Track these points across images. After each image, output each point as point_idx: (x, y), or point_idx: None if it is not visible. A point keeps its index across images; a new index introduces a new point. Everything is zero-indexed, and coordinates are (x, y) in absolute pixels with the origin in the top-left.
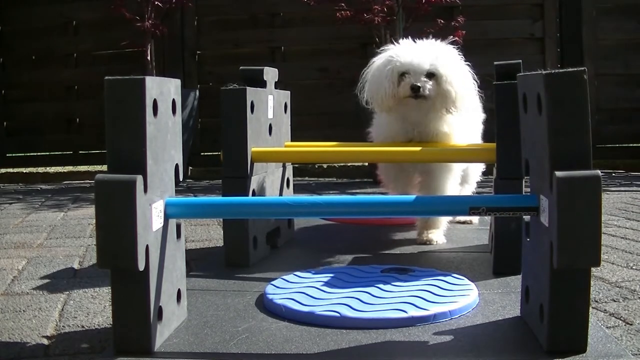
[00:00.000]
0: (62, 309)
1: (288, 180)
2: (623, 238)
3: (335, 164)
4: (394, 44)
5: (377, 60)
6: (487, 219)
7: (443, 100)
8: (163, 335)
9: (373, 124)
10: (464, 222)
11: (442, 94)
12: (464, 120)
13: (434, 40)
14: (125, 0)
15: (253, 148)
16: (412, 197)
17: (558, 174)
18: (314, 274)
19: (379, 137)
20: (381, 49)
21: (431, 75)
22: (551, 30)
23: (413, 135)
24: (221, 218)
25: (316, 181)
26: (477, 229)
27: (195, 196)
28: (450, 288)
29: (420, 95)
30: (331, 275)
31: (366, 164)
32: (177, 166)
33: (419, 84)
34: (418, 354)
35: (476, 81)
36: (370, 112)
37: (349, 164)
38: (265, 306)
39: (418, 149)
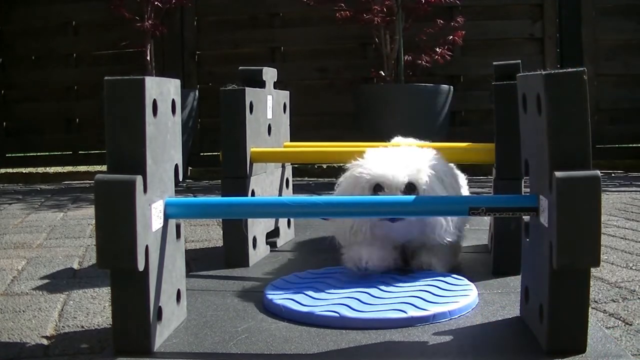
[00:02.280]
0: (62, 309)
1: (287, 180)
2: (623, 238)
3: (335, 164)
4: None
5: (345, 179)
6: (487, 219)
7: (429, 226)
8: (163, 336)
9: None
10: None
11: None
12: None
13: (414, 148)
14: (125, 1)
15: (252, 148)
16: (412, 197)
17: (557, 174)
18: (313, 274)
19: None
20: (351, 163)
21: (411, 187)
22: (551, 30)
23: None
24: (221, 218)
25: (316, 181)
26: (477, 229)
27: (194, 196)
28: (449, 288)
29: (397, 218)
30: (331, 275)
31: None
32: (176, 166)
33: None
34: (418, 354)
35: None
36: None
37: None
38: (265, 306)
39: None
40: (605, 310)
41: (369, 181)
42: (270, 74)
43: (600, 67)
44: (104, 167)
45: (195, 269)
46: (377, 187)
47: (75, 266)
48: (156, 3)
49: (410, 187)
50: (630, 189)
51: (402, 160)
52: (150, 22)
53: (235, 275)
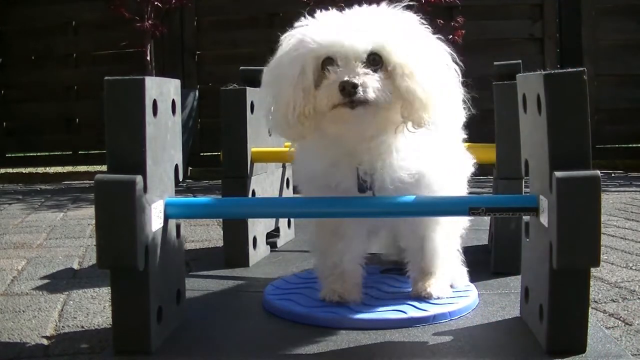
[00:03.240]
0: (62, 309)
1: (288, 180)
2: (622, 238)
3: None
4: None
5: (284, 45)
6: (487, 219)
7: (404, 106)
8: (162, 335)
9: (295, 159)
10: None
11: (401, 95)
12: (442, 142)
13: (378, 5)
14: (125, 1)
15: (253, 148)
16: (412, 197)
17: (557, 174)
18: (313, 274)
19: (307, 186)
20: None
21: (376, 60)
22: (551, 30)
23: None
24: (221, 218)
25: None
26: (477, 229)
27: (194, 196)
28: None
29: (359, 100)
30: None
31: None
32: (176, 166)
33: (354, 80)
34: (417, 354)
35: (458, 69)
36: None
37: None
38: (265, 306)
39: None
40: (605, 310)
41: (313, 52)
42: None
43: (600, 67)
44: (104, 167)
45: (195, 269)
46: (327, 61)
47: (75, 266)
48: (156, 3)
49: (375, 59)
50: (630, 189)
51: (362, 21)
52: (150, 22)
53: (235, 275)
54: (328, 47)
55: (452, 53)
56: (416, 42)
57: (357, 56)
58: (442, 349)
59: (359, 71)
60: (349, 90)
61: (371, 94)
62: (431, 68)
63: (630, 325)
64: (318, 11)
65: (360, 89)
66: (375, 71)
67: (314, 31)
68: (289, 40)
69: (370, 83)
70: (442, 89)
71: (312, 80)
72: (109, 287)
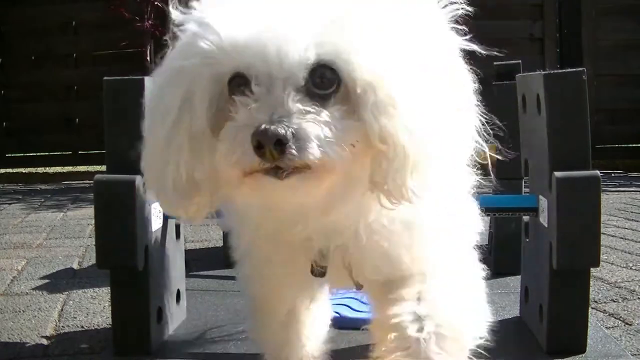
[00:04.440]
0: (62, 309)
1: None
2: (622, 238)
3: None
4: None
5: (170, 60)
6: (487, 219)
7: (376, 162)
8: (162, 335)
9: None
10: None
11: (371, 142)
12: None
13: None
14: (125, 1)
15: None
16: None
17: (557, 174)
18: None
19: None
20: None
21: (327, 79)
22: (550, 30)
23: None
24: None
25: None
26: None
27: None
28: None
29: (293, 166)
30: None
31: None
32: None
33: (280, 130)
34: None
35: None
36: None
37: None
38: None
39: None
40: (605, 310)
41: (211, 65)
42: None
43: (600, 67)
44: (104, 167)
45: (195, 268)
46: (238, 81)
47: (75, 266)
48: (156, 3)
49: (324, 78)
50: (630, 189)
51: (304, 4)
52: (150, 22)
53: (235, 275)
54: (237, 56)
55: (469, 48)
56: (403, 42)
57: (291, 75)
58: None
59: (290, 107)
60: (270, 152)
61: (315, 153)
62: (429, 92)
63: (630, 325)
64: None
65: (292, 147)
66: (324, 99)
67: (216, 19)
68: (179, 44)
69: (312, 132)
70: (447, 129)
71: (208, 116)
72: (109, 287)
